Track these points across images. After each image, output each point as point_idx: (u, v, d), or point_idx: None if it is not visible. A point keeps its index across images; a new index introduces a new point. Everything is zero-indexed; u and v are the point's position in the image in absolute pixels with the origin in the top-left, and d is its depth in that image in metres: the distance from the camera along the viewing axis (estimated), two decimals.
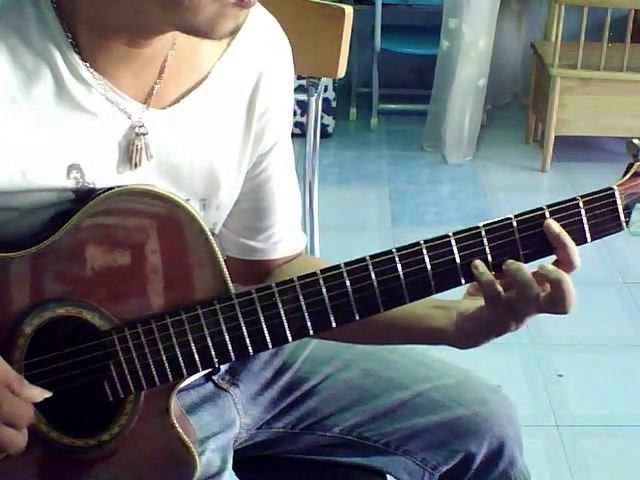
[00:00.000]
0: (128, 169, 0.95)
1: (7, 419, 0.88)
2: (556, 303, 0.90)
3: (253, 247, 1.13)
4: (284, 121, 1.08)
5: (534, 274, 0.91)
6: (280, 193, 1.11)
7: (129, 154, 0.94)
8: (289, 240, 1.15)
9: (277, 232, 1.12)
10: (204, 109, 0.98)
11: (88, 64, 0.90)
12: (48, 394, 0.90)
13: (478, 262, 0.91)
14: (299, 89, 1.33)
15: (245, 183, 1.07)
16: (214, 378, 1.17)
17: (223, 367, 1.18)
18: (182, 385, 1.08)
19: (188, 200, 0.97)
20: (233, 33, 0.87)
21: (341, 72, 1.35)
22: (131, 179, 0.95)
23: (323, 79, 1.41)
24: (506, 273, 0.91)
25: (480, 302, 0.94)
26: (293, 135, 1.17)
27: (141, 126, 0.94)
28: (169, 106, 0.96)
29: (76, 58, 0.90)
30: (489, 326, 0.95)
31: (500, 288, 0.91)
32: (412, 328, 1.01)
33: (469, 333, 0.97)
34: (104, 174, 0.94)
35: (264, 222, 1.11)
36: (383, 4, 3.83)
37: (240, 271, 1.11)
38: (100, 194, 0.91)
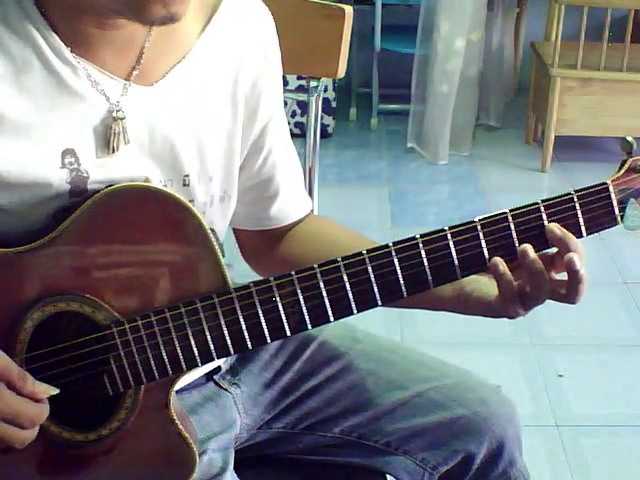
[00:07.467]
0: (118, 148, 0.95)
1: (6, 417, 0.86)
2: (569, 294, 0.93)
3: (264, 217, 1.15)
4: (275, 93, 1.10)
5: (543, 257, 0.93)
6: (283, 162, 1.14)
7: (107, 137, 0.94)
8: (297, 205, 1.18)
9: (284, 199, 1.15)
10: (190, 84, 0.99)
11: (69, 48, 0.91)
12: (55, 391, 0.89)
13: (498, 260, 0.93)
14: (299, 89, 1.33)
15: (249, 160, 1.09)
16: (215, 378, 1.17)
17: (224, 367, 1.18)
18: (183, 385, 1.08)
19: (187, 177, 1.00)
20: (167, 20, 0.86)
21: (341, 72, 1.36)
22: (122, 160, 0.95)
23: (323, 79, 1.41)
24: (521, 261, 0.93)
25: (484, 280, 0.97)
26: (293, 135, 1.18)
27: (119, 110, 0.94)
28: (156, 82, 0.97)
29: (58, 40, 0.90)
30: (496, 313, 0.98)
31: (516, 285, 0.93)
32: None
33: (474, 311, 1.00)
34: (97, 158, 0.94)
35: (271, 192, 1.14)
36: (383, 4, 3.82)
37: (253, 242, 1.18)
38: (99, 191, 0.92)
